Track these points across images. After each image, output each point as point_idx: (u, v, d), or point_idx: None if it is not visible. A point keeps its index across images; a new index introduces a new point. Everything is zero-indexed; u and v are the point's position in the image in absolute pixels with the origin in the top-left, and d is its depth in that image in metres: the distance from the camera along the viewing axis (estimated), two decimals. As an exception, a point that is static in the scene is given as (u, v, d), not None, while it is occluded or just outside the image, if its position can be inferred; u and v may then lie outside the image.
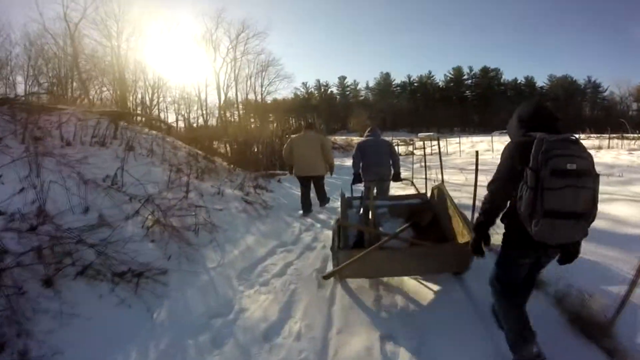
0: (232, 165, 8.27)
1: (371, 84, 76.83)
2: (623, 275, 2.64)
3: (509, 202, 1.82)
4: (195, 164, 6.79)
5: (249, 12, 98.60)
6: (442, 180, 3.80)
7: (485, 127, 54.33)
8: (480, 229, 1.91)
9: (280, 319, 2.46)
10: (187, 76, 46.50)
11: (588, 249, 3.08)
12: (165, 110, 36.96)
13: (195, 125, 30.60)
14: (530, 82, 70.92)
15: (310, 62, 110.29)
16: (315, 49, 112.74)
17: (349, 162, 5.01)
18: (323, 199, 5.81)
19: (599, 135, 18.35)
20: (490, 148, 16.49)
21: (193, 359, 2.10)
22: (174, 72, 47.74)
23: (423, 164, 7.30)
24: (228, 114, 39.44)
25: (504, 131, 2.11)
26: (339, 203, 4.11)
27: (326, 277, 2.76)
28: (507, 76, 73.02)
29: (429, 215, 3.47)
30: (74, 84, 22.33)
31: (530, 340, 1.81)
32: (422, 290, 2.81)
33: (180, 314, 2.52)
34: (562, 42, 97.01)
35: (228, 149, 11.12)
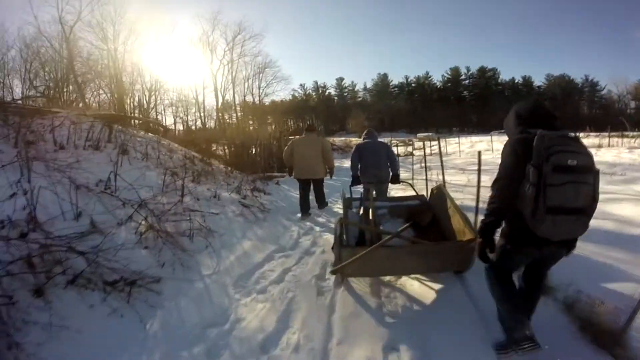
0: (229, 168, 8.17)
1: (369, 85, 76.90)
2: (633, 278, 2.57)
3: None
4: (192, 167, 6.69)
5: (246, 14, 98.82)
6: (444, 182, 3.71)
7: (483, 127, 54.37)
8: (488, 232, 1.87)
9: (278, 329, 2.36)
10: (185, 79, 46.65)
11: (595, 251, 3.02)
12: (162, 112, 36.87)
13: (193, 127, 30.63)
14: (527, 81, 71.03)
15: (308, 63, 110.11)
16: (313, 50, 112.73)
17: (348, 163, 4.94)
18: (322, 202, 5.77)
19: (598, 133, 18.35)
20: (490, 148, 16.46)
21: (187, 373, 1.99)
22: (171, 74, 47.79)
23: (423, 164, 7.21)
24: (226, 116, 39.37)
25: (502, 131, 2.09)
26: (337, 207, 4.06)
27: (333, 272, 2.78)
28: (505, 76, 73.09)
29: (428, 215, 3.50)
30: (70, 87, 22.23)
31: (523, 323, 1.86)
32: (425, 295, 2.72)
33: (174, 324, 2.42)
34: (560, 42, 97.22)
35: (226, 151, 11.02)
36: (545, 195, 1.58)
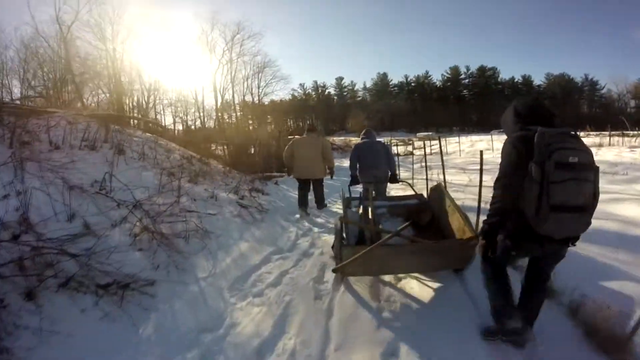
0: (227, 168, 8.10)
1: (368, 85, 76.90)
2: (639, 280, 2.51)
3: None
4: (189, 167, 6.63)
5: (245, 13, 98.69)
6: (445, 181, 3.67)
7: (483, 126, 54.27)
8: (491, 233, 1.86)
9: (274, 334, 2.29)
10: (184, 78, 46.49)
11: (600, 253, 2.95)
12: (162, 112, 36.75)
13: (193, 127, 30.55)
14: (527, 80, 70.97)
15: (307, 63, 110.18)
16: (312, 50, 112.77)
17: (347, 162, 4.90)
18: (321, 202, 5.74)
19: (598, 132, 18.29)
20: (490, 147, 16.38)
21: (180, 379, 1.93)
22: (170, 74, 47.70)
23: (423, 164, 7.15)
24: (226, 116, 39.27)
25: (502, 130, 2.07)
26: (336, 207, 4.01)
27: (335, 271, 2.77)
28: (505, 75, 73.29)
29: (427, 214, 3.53)
30: (69, 87, 22.11)
31: (515, 315, 1.93)
32: (425, 296, 2.67)
33: (168, 328, 2.36)
34: (560, 41, 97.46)
35: (225, 151, 10.96)
36: (549, 193, 1.57)
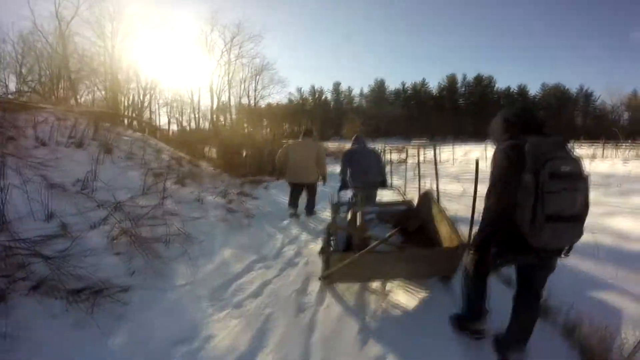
0: (218, 171, 7.96)
1: (365, 91, 77.25)
2: (637, 298, 2.40)
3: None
4: (178, 168, 6.49)
5: (245, 14, 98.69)
6: (438, 191, 3.58)
7: (478, 136, 54.59)
8: (484, 245, 1.80)
9: (251, 349, 2.13)
10: (181, 78, 46.06)
11: (597, 269, 2.86)
12: (157, 112, 36.50)
13: (187, 128, 30.35)
14: (523, 90, 71.73)
15: (305, 67, 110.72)
16: (310, 54, 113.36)
17: (339, 168, 4.79)
18: (311, 208, 5.65)
19: (592, 143, 18.40)
20: (484, 157, 16.36)
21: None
22: (167, 74, 47.29)
23: (416, 172, 7.04)
24: (222, 118, 39.07)
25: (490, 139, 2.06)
26: (325, 214, 3.92)
27: (323, 278, 2.78)
28: (501, 84, 74.10)
29: (416, 221, 3.53)
30: (65, 83, 21.86)
31: (483, 317, 2.06)
32: (413, 312, 2.53)
33: (140, 339, 2.19)
34: (557, 50, 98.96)
35: (217, 153, 10.82)
36: (544, 203, 1.55)
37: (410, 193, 5.66)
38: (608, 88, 70.89)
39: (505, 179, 1.69)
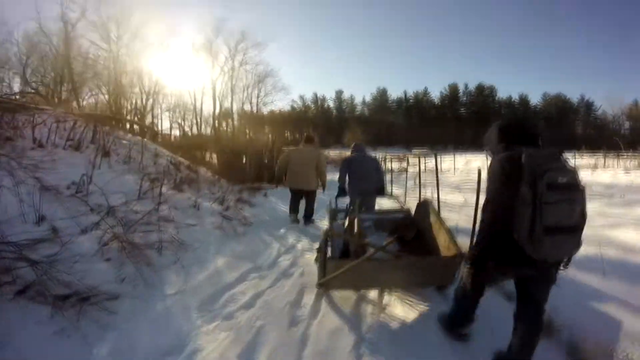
0: (217, 177, 7.89)
1: (368, 99, 77.58)
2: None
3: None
4: (176, 174, 6.42)
5: (249, 21, 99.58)
6: (438, 201, 3.52)
7: (478, 145, 54.65)
8: (482, 259, 1.76)
9: (240, 365, 2.04)
10: (185, 84, 46.32)
11: (601, 282, 2.75)
12: (159, 117, 36.57)
13: (189, 133, 30.38)
14: (524, 100, 71.98)
15: (308, 75, 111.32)
16: (314, 62, 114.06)
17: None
18: (309, 216, 5.59)
19: (593, 152, 18.34)
20: (486, 166, 16.26)
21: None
22: (171, 79, 47.65)
23: (417, 181, 6.95)
24: (224, 124, 39.17)
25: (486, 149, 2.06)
26: (323, 223, 3.86)
27: (320, 285, 2.78)
28: (502, 94, 74.29)
29: (413, 229, 3.50)
30: (67, 85, 21.97)
31: (471, 323, 2.12)
32: (410, 326, 2.43)
33: (125, 350, 2.11)
34: (559, 61, 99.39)
35: (217, 159, 10.77)
36: (542, 214, 1.53)
37: (410, 202, 5.57)
38: (609, 98, 71.12)
39: (502, 191, 1.67)
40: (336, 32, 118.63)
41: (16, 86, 21.65)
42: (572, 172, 1.64)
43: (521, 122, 1.92)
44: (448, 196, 7.28)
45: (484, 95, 72.39)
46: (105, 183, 4.07)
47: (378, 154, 15.02)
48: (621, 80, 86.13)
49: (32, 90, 18.28)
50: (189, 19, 68.68)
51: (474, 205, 3.40)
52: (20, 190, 3.01)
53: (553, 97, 68.95)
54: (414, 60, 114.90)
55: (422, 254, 3.06)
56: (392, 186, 10.07)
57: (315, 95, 76.54)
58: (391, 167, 13.53)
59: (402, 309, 2.67)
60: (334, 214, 4.09)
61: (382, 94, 76.35)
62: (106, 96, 25.99)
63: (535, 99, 72.81)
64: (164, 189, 4.75)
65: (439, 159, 4.79)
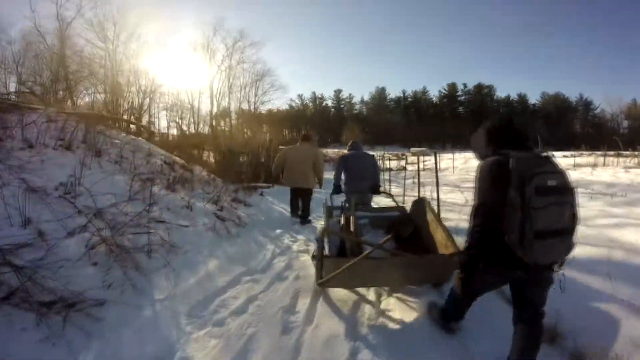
0: (212, 176, 7.76)
1: (366, 98, 77.51)
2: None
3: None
4: (169, 173, 6.29)
5: (247, 20, 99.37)
6: (438, 201, 3.46)
7: (476, 144, 54.71)
8: (472, 265, 1.77)
9: (229, 374, 1.94)
10: (182, 82, 46.03)
11: (606, 286, 2.64)
12: (156, 116, 36.34)
13: (187, 132, 30.17)
14: (523, 99, 71.98)
15: (306, 74, 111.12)
16: (312, 61, 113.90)
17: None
18: (305, 216, 5.53)
19: (591, 152, 18.30)
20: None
21: None
22: (168, 78, 47.31)
23: (415, 180, 6.86)
24: (222, 123, 39.00)
25: (473, 151, 2.02)
26: (320, 224, 3.79)
27: (320, 285, 2.76)
28: (501, 93, 74.35)
29: (409, 227, 3.51)
30: (63, 84, 21.77)
31: (460, 319, 2.18)
32: (409, 331, 2.35)
33: (110, 359, 2.02)
34: (558, 60, 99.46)
35: (214, 158, 10.64)
36: (531, 219, 1.53)
37: (409, 202, 5.46)
38: (607, 97, 71.35)
39: (490, 198, 1.67)
40: (335, 31, 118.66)
41: (12, 86, 21.57)
42: (562, 174, 1.63)
43: (510, 123, 1.86)
44: (447, 195, 7.20)
45: (482, 94, 72.35)
46: (94, 184, 3.95)
47: (376, 153, 14.92)
48: (620, 79, 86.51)
49: (27, 90, 18.11)
50: (187, 17, 68.51)
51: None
52: (6, 192, 2.92)
53: (552, 96, 69.00)
54: (413, 59, 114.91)
55: (418, 251, 3.02)
56: (390, 185, 9.98)
57: (314, 94, 76.48)
58: (389, 165, 13.42)
59: (400, 313, 2.58)
60: (329, 212, 4.06)
61: (381, 93, 76.23)
62: (102, 95, 25.81)
63: (533, 98, 72.99)
64: (156, 189, 4.64)
65: (438, 158, 4.67)
